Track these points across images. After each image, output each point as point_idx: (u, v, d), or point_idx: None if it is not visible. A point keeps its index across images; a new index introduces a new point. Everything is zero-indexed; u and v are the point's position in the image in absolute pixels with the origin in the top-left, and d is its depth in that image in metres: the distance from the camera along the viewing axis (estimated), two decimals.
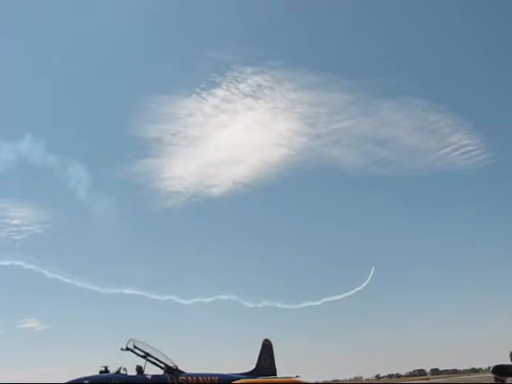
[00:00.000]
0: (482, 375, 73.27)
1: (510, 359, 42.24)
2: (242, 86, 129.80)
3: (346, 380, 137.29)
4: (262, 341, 36.57)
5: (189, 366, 29.87)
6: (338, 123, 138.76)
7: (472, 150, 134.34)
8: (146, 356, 27.79)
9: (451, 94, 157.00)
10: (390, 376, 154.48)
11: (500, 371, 39.38)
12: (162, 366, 28.21)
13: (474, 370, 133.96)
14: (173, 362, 28.54)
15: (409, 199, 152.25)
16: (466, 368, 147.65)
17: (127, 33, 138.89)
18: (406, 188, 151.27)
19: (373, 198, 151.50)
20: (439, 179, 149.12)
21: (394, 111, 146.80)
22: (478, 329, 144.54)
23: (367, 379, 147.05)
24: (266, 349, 36.17)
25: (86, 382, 24.87)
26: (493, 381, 40.80)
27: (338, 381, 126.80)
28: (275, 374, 34.87)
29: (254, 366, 34.78)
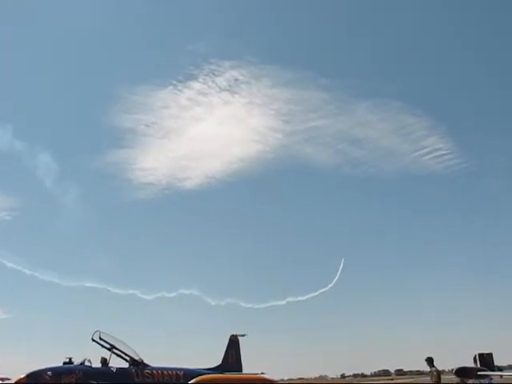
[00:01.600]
0: (446, 377, 74.39)
1: (473, 362, 43.14)
2: (218, 80, 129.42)
3: (310, 378, 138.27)
4: (228, 336, 36.57)
5: (154, 360, 29.71)
6: (313, 121, 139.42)
7: (445, 154, 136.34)
8: (111, 348, 27.51)
9: (427, 98, 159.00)
10: (355, 375, 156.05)
11: (462, 373, 40.17)
12: (128, 358, 27.94)
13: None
14: (138, 356, 28.30)
15: (379, 200, 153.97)
16: (429, 369, 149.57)
17: (105, 22, 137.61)
18: (378, 189, 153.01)
19: (344, 197, 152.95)
20: (411, 182, 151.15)
21: (370, 112, 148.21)
22: (444, 331, 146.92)
23: (332, 378, 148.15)
24: (233, 345, 36.12)
25: (49, 373, 24.50)
26: (455, 381, 41.58)
27: (302, 379, 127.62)
28: (241, 371, 34.83)
29: (219, 362, 34.78)
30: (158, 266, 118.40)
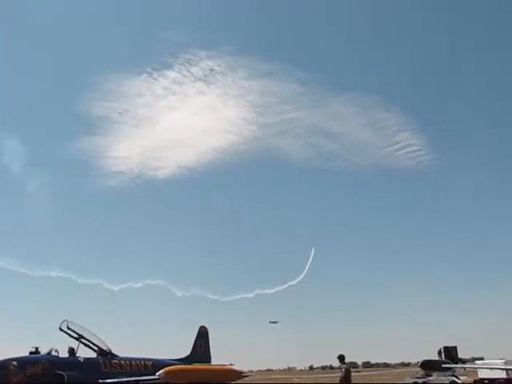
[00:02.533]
0: (412, 369, 75.71)
1: (437, 355, 44.04)
2: (194, 70, 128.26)
3: (279, 370, 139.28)
4: (197, 327, 36.67)
5: (122, 350, 29.59)
6: (288, 113, 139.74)
7: (417, 150, 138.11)
8: (79, 338, 27.30)
9: (402, 94, 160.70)
10: (323, 367, 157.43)
11: (427, 366, 40.95)
12: (96, 348, 27.80)
13: (403, 364, 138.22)
14: (106, 346, 28.17)
15: (351, 194, 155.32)
16: (396, 362, 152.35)
17: (81, 8, 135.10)
18: (350, 183, 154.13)
19: (316, 190, 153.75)
20: (383, 176, 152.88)
21: (345, 106, 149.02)
22: (411, 324, 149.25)
23: (300, 370, 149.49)
24: (202, 335, 36.25)
25: (14, 362, 24.15)
26: (420, 374, 42.42)
27: (271, 370, 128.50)
28: (209, 362, 34.99)
29: (188, 353, 34.85)
30: (125, 256, 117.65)
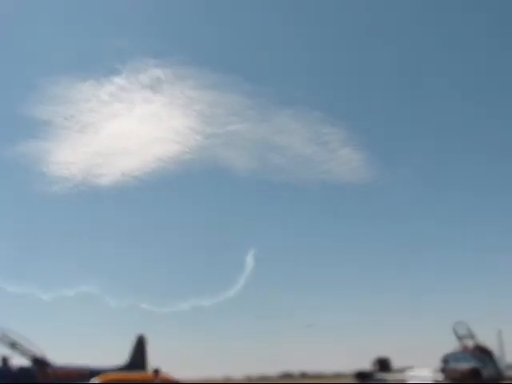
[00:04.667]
0: (346, 380, 77.23)
1: (372, 365, 45.30)
2: (142, 77, 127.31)
3: (216, 378, 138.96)
4: (134, 335, 36.58)
5: (58, 358, 29.21)
6: (234, 125, 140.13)
7: (359, 166, 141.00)
8: (13, 346, 26.85)
9: (346, 110, 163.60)
10: (260, 377, 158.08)
11: (360, 376, 42.21)
12: (30, 357, 27.36)
13: (338, 375, 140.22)
14: (42, 354, 27.76)
15: (297, 208, 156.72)
16: (331, 372, 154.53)
17: (28, 6, 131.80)
18: (296, 196, 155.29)
19: (262, 203, 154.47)
20: (328, 191, 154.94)
21: (292, 119, 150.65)
22: (348, 334, 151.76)
23: (236, 379, 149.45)
24: (140, 344, 36.10)
25: None
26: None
27: (208, 379, 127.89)
28: (146, 370, 34.89)
29: (126, 360, 34.69)
30: (61, 263, 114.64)
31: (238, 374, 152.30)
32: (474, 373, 29.84)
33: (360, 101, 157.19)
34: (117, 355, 36.77)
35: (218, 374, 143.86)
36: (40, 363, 27.37)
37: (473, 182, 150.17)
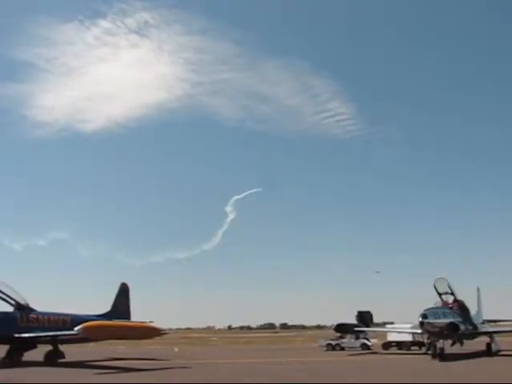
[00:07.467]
0: (326, 331, 78.89)
1: (355, 319, 46.12)
2: (128, 21, 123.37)
3: (198, 329, 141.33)
4: (119, 284, 36.65)
5: (40, 306, 29.19)
6: (222, 74, 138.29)
7: (346, 119, 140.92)
8: None
9: (336, 63, 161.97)
10: (241, 328, 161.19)
11: (341, 329, 42.95)
12: (13, 302, 27.30)
13: (319, 327, 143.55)
14: (24, 300, 27.71)
15: (279, 157, 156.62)
16: (312, 324, 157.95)
17: None
18: (278, 146, 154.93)
19: (246, 152, 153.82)
20: (311, 143, 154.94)
21: (279, 70, 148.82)
22: (331, 289, 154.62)
23: (219, 329, 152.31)
24: (123, 293, 36.26)
25: None
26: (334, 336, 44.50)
27: (190, 329, 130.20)
28: (129, 318, 35.12)
29: (108, 309, 34.86)
30: (34, 213, 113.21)
31: (220, 325, 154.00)
32: (452, 327, 30.52)
33: (350, 54, 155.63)
34: (94, 304, 36.93)
35: (200, 325, 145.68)
36: (22, 309, 27.32)
37: (461, 142, 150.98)
